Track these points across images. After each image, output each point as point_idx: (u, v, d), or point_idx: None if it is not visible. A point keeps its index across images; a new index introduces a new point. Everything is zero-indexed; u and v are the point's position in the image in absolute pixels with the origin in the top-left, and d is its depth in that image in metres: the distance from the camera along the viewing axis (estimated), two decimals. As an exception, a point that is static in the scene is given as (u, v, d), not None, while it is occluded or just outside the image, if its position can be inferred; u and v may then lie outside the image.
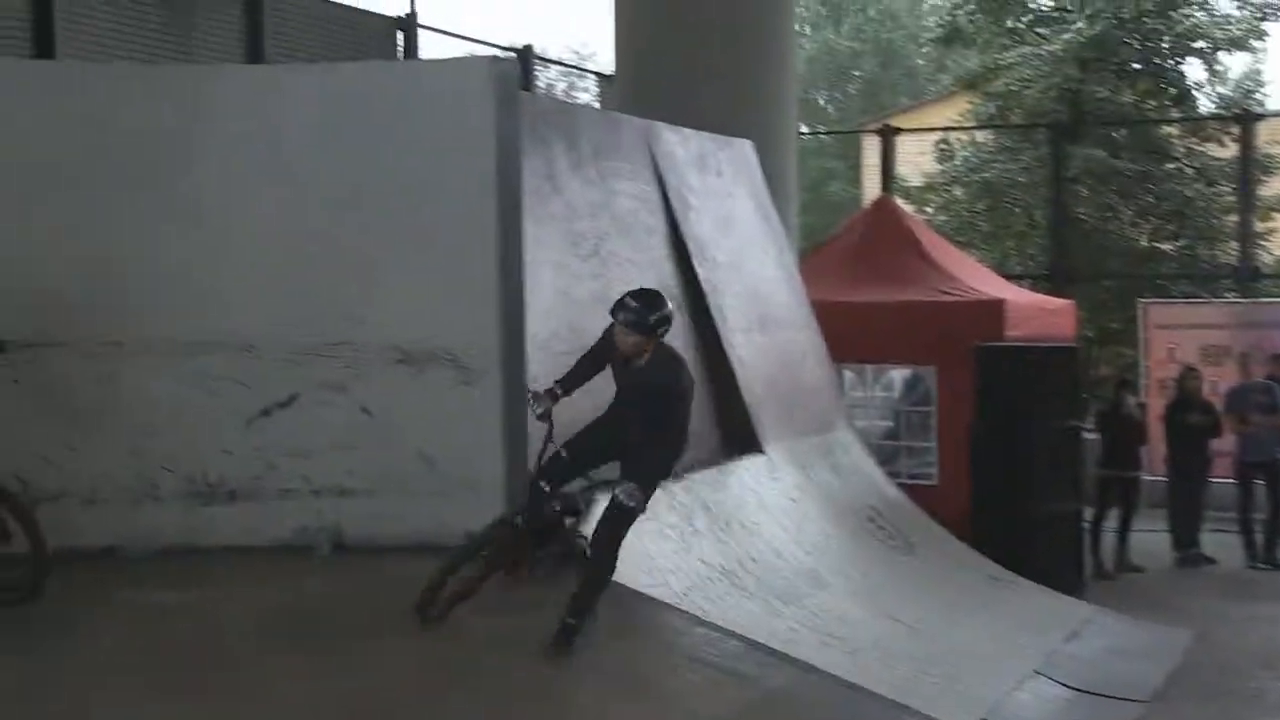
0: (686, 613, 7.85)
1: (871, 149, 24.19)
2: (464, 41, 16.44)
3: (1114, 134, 22.69)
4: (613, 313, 6.67)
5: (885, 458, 14.06)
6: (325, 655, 6.36)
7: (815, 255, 15.98)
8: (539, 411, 6.59)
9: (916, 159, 23.19)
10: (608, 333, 6.88)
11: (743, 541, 9.20)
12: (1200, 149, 22.40)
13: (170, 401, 7.93)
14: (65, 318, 7.87)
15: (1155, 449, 15.48)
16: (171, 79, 8.80)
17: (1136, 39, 23.11)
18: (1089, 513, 13.80)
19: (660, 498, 8.83)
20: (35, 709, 5.56)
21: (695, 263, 10.53)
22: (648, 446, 6.71)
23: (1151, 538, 14.33)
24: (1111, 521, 14.07)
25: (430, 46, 15.81)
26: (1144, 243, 22.87)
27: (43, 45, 11.08)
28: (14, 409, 7.57)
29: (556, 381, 6.75)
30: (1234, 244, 20.67)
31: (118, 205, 8.12)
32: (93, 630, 6.53)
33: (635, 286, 9.71)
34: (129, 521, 7.87)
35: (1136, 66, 23.44)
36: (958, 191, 24.03)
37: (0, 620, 6.58)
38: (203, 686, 5.93)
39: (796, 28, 20.29)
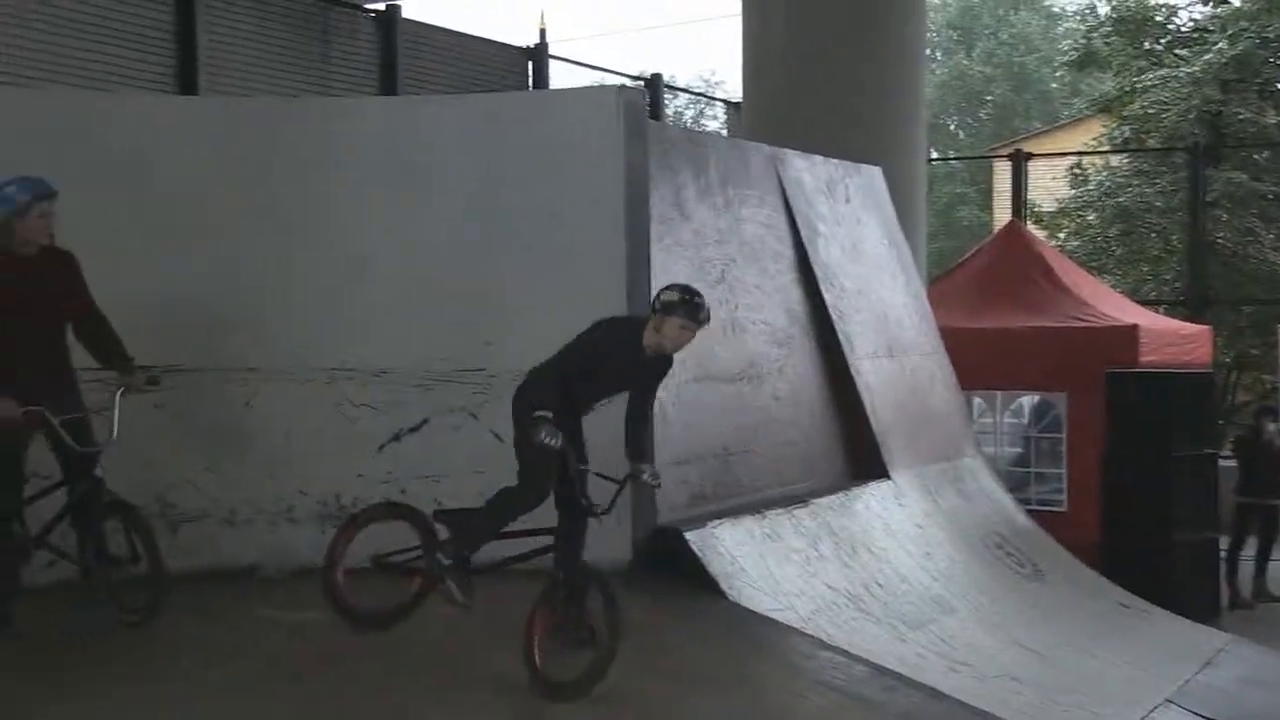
0: (812, 636, 7.86)
1: (1003, 174, 24.02)
2: (592, 70, 16.69)
3: (1256, 156, 22.29)
4: (692, 316, 6.59)
5: (1014, 484, 13.97)
6: (452, 675, 6.49)
7: (944, 281, 15.95)
8: (557, 441, 6.31)
9: (1049, 184, 23.01)
10: (595, 337, 6.70)
11: (869, 566, 9.20)
12: (1348, 171, 21.93)
13: (305, 425, 8.13)
14: (206, 344, 8.11)
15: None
16: (311, 112, 9.04)
17: (1282, 57, 22.74)
18: (1225, 541, 13.55)
19: (785, 522, 8.92)
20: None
21: (823, 289, 10.57)
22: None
23: (1292, 568, 14.03)
24: (1250, 550, 13.80)
25: (559, 76, 16.05)
26: (1286, 267, 22.46)
27: (187, 82, 11.46)
28: (157, 432, 7.79)
29: (535, 409, 6.38)
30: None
31: (258, 236, 8.34)
32: (234, 647, 6.72)
33: (762, 312, 9.87)
34: (267, 542, 8.07)
35: (1281, 86, 23.06)
36: (1091, 216, 23.74)
37: (141, 638, 6.78)
38: (338, 703, 6.08)
39: (927, 53, 20.22)
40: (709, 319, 6.71)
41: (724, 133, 21.79)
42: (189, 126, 8.56)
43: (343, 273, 8.27)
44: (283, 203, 8.42)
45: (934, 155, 36.43)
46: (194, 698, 5.97)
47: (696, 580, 8.03)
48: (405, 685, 6.30)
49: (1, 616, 6.72)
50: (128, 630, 6.75)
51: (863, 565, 9.18)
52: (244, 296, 8.29)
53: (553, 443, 6.33)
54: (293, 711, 5.95)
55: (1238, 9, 23.44)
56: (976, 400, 14.55)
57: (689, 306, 6.60)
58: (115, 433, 6.76)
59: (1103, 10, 28.74)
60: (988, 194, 34.06)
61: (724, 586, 8.00)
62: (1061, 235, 24.16)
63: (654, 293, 8.41)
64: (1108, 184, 23.46)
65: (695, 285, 9.05)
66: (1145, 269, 23.18)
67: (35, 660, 6.45)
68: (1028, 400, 14.89)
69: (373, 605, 6.92)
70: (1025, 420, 14.99)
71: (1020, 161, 19.81)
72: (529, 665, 6.42)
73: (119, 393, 6.84)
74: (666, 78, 19.01)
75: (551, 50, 15.94)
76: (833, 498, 9.61)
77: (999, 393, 14.77)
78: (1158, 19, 24.77)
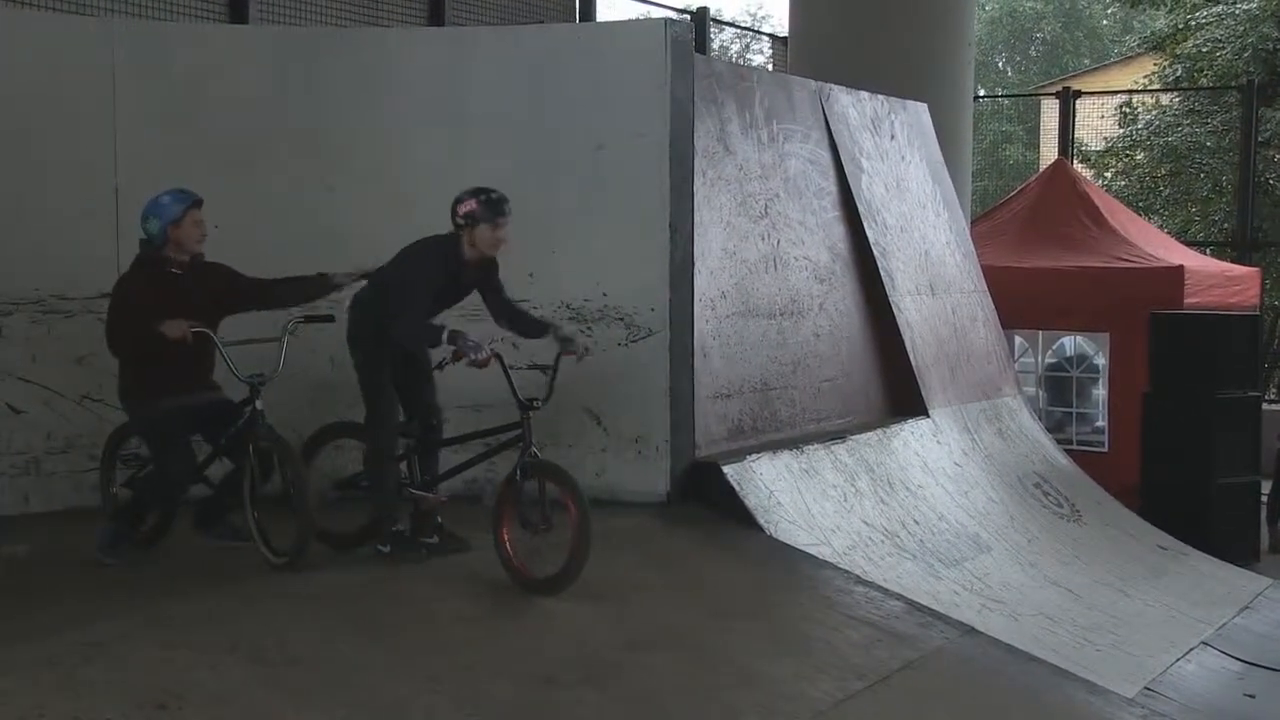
0: (847, 571, 7.92)
1: (1050, 112, 23.78)
2: (640, 4, 16.57)
3: (1313, 96, 21.93)
4: (496, 213, 6.82)
5: (1055, 424, 13.96)
6: (487, 602, 6.60)
7: (989, 219, 15.85)
8: (485, 353, 6.55)
9: (1097, 123, 22.73)
10: (428, 262, 6.90)
11: (905, 503, 9.25)
12: None
13: (346, 355, 8.19)
14: (250, 270, 8.15)
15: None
16: (360, 42, 9.06)
17: (1346, -6, 22.28)
18: (1267, 485, 13.47)
19: (823, 458, 8.96)
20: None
21: (865, 225, 10.56)
22: None
23: (1333, 512, 13.94)
24: (1291, 494, 13.72)
25: (607, 9, 15.96)
26: (1340, 210, 22.14)
27: (237, 12, 11.46)
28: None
29: (451, 331, 6.64)
30: None
31: (305, 165, 8.42)
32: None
33: (804, 248, 9.87)
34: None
35: (1343, 24, 22.60)
36: (1139, 156, 23.48)
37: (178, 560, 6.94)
38: (378, 620, 6.20)
39: (976, -12, 19.98)
40: (509, 208, 6.86)
41: (770, 67, 21.65)
42: (240, 55, 8.61)
43: (386, 203, 8.31)
44: (329, 133, 8.49)
45: (981, 92, 36.03)
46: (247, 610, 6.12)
47: (733, 514, 8.10)
48: (449, 601, 6.40)
49: (148, 540, 7.07)
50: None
51: (900, 502, 9.23)
52: (290, 224, 8.36)
53: (484, 355, 6.50)
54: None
55: (1298, -55, 23.00)
56: (1018, 340, 14.52)
57: (488, 207, 6.80)
58: (281, 366, 6.97)
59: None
60: (1035, 132, 33.74)
61: (761, 521, 8.07)
62: (1109, 175, 23.92)
63: (696, 226, 8.53)
64: (1157, 123, 23.16)
65: (737, 220, 9.16)
66: (1193, 210, 22.92)
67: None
68: (1070, 340, 14.85)
69: (342, 525, 7.17)
70: (1068, 360, 14.95)
71: (1068, 99, 19.57)
72: (505, 564, 6.63)
73: (286, 327, 7.08)
74: (713, 12, 18.86)
75: (599, -17, 15.84)
76: (871, 434, 9.65)
77: (1041, 332, 14.73)
78: (1215, -47, 24.37)
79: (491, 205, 6.84)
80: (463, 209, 6.85)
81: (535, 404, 6.80)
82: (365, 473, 7.22)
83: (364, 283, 7.17)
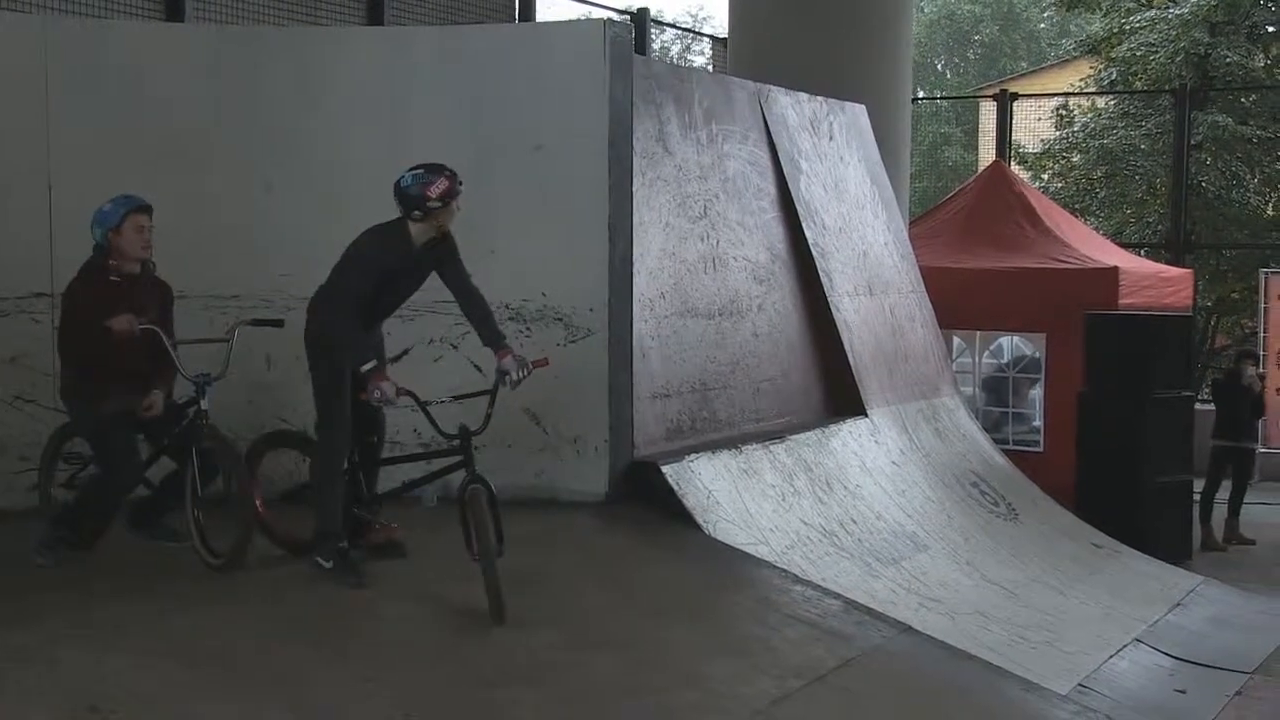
0: (785, 571, 7.95)
1: (988, 114, 23.98)
2: (579, 4, 16.56)
3: (1242, 100, 22.25)
4: (442, 199, 6.69)
5: (992, 424, 14.08)
6: (425, 604, 6.58)
7: (927, 220, 15.98)
8: (390, 398, 6.47)
9: (1034, 125, 22.95)
10: (369, 252, 6.76)
11: (843, 503, 9.29)
12: (1336, 115, 21.88)
13: (284, 353, 8.13)
14: (190, 271, 8.07)
15: (1274, 421, 15.29)
16: (299, 40, 9.00)
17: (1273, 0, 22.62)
18: (1199, 483, 13.65)
19: (762, 457, 8.99)
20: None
21: (804, 226, 10.61)
22: None
23: (1264, 510, 14.18)
24: (1223, 493, 13.92)
25: (546, 10, 15.93)
26: (1270, 212, 22.46)
27: (173, 10, 11.37)
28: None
29: (362, 365, 6.52)
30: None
31: (242, 161, 8.35)
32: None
33: (743, 248, 9.90)
34: (247, 468, 8.10)
35: (1270, 29, 22.93)
36: (1075, 158, 23.73)
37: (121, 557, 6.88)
38: (315, 627, 6.17)
39: (915, -9, 20.11)
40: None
41: (710, 68, 21.71)
42: (175, 53, 8.52)
43: (324, 204, 8.26)
44: (267, 132, 8.42)
45: (920, 94, 36.32)
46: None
47: (672, 513, 8.12)
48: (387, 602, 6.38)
49: (87, 542, 6.88)
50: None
51: (838, 501, 9.27)
52: (228, 223, 8.30)
53: (387, 400, 6.45)
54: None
55: (1228, -49, 23.30)
56: (956, 340, 14.64)
57: (456, 189, 6.74)
58: (227, 367, 6.90)
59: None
60: (973, 134, 34.03)
61: (699, 520, 8.08)
62: (1045, 177, 24.17)
63: (634, 227, 8.53)
64: (1093, 126, 23.44)
65: (676, 221, 9.18)
66: (1128, 211, 23.21)
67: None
68: (1007, 341, 14.99)
69: (303, 531, 7.06)
70: (1004, 360, 15.10)
71: (1006, 102, 19.76)
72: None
73: (234, 328, 7.05)
74: (653, 12, 18.90)
75: (538, -18, 15.84)
76: (809, 434, 9.69)
77: (978, 333, 14.86)
78: (1148, -41, 24.65)
79: (456, 189, 6.76)
80: (433, 192, 6.69)
81: (471, 431, 6.69)
82: (310, 484, 7.09)
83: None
